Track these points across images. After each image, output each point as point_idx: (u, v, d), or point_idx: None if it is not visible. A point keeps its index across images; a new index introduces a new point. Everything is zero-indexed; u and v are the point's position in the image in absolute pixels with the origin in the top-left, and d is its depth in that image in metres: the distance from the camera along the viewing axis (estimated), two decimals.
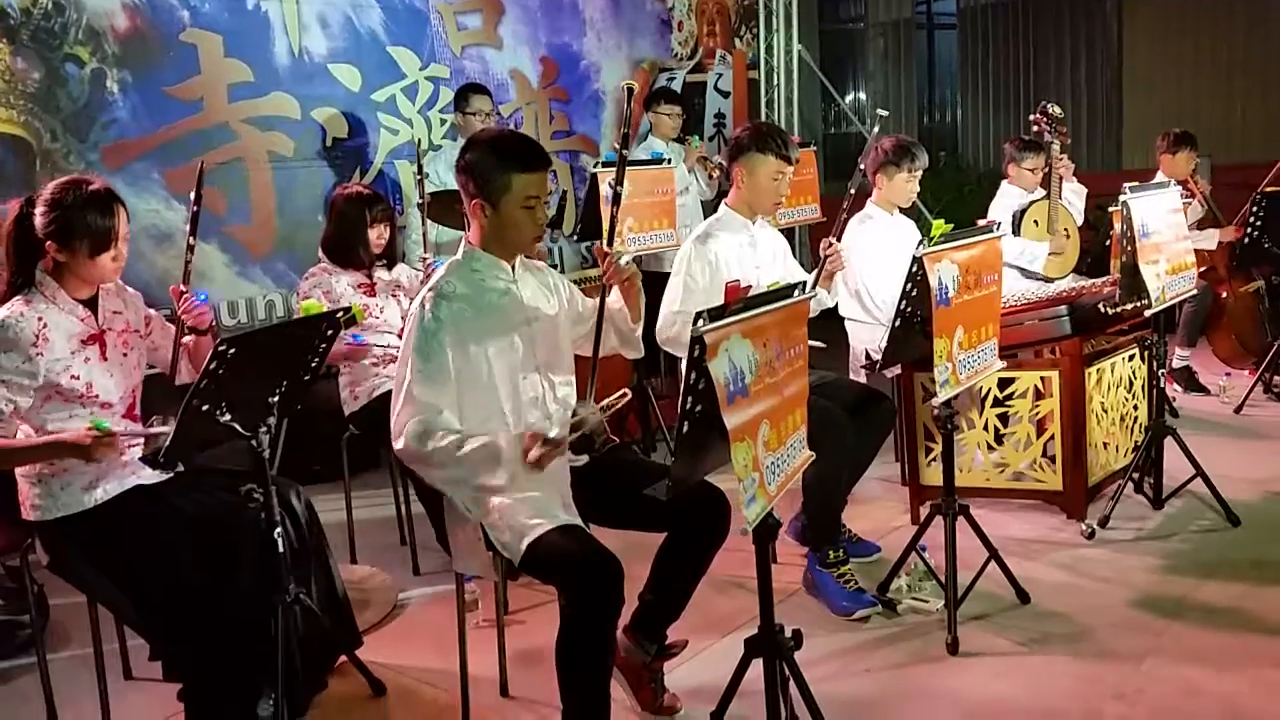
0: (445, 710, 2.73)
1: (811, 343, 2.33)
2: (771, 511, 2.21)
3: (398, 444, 2.29)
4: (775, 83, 7.48)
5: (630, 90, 2.72)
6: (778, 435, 2.04)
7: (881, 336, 3.23)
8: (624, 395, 2.42)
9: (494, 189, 2.36)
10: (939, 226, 2.76)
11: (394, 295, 3.80)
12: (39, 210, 2.48)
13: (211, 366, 2.15)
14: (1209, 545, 3.48)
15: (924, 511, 3.19)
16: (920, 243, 2.70)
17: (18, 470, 2.52)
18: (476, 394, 2.36)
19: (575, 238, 5.56)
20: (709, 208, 5.68)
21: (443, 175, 4.66)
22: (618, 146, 2.71)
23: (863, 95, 11.17)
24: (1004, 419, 3.78)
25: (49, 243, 2.47)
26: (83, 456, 2.33)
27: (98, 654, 2.73)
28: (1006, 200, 4.89)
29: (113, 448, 2.36)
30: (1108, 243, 3.83)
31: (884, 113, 3.60)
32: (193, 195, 2.72)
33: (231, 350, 2.16)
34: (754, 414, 1.94)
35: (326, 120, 5.09)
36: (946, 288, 2.71)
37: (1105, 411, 3.84)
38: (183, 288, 2.68)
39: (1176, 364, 5.40)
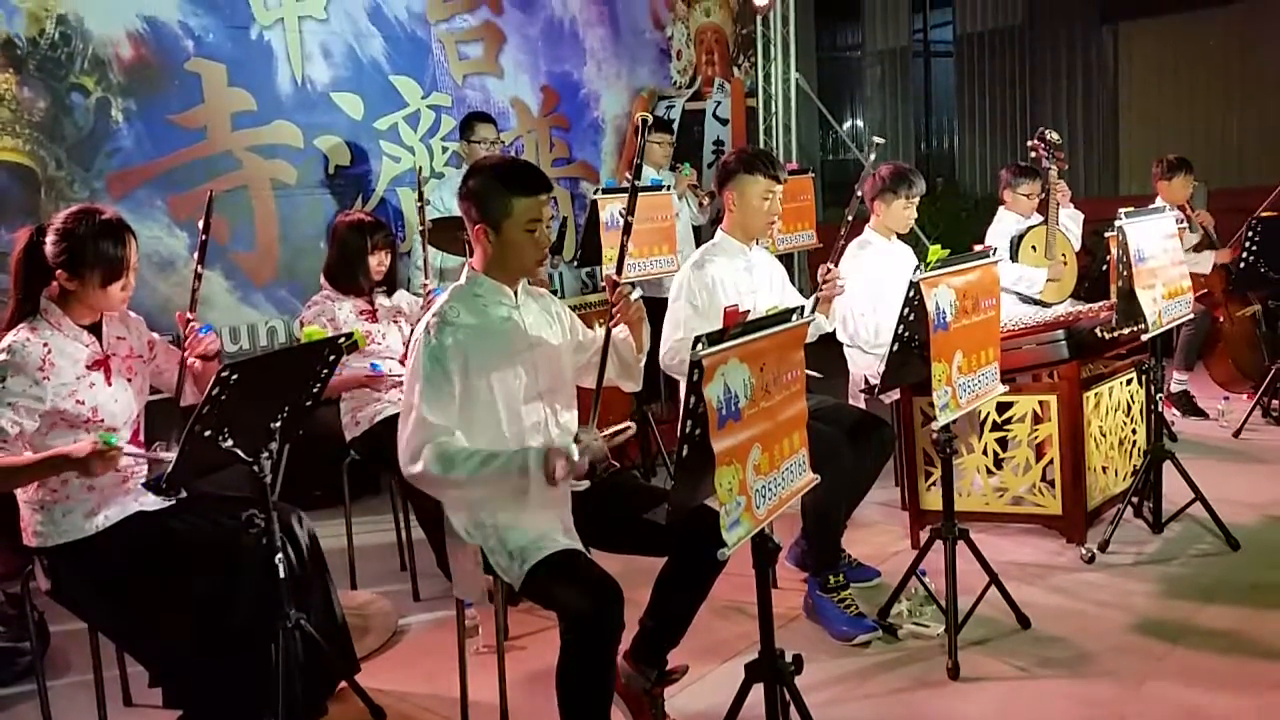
0: None
1: (808, 372, 2.34)
2: (771, 536, 2.22)
3: (414, 468, 2.29)
4: (773, 110, 7.55)
5: (645, 121, 2.76)
6: (770, 459, 2.05)
7: (879, 362, 3.25)
8: (628, 428, 2.44)
9: (496, 213, 2.39)
10: (935, 252, 2.78)
11: (395, 321, 3.82)
12: (50, 239, 2.50)
13: (214, 392, 2.16)
14: (1209, 569, 3.48)
15: (924, 536, 3.19)
16: (917, 268, 2.72)
17: (20, 496, 2.53)
18: (479, 419, 2.38)
19: (576, 264, 5.60)
20: (700, 233, 5.73)
21: (447, 202, 4.70)
22: (630, 177, 2.75)
23: (860, 122, 11.27)
24: (1003, 443, 3.79)
25: (59, 271, 2.49)
26: (83, 470, 2.32)
27: (98, 681, 2.73)
28: (1004, 226, 4.93)
29: (113, 462, 2.34)
30: (1105, 268, 3.85)
31: (880, 140, 3.64)
32: (201, 224, 2.75)
33: (234, 376, 2.17)
34: (745, 438, 1.96)
35: (329, 148, 5.13)
36: (944, 312, 2.73)
37: (1104, 436, 3.84)
38: (189, 315, 2.70)
39: (1174, 388, 5.41)
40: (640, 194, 4.64)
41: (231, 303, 4.82)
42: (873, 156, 3.50)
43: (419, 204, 3.97)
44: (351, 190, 5.24)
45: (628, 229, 2.69)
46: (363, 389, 3.64)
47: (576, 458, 2.23)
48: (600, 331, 2.61)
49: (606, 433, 2.37)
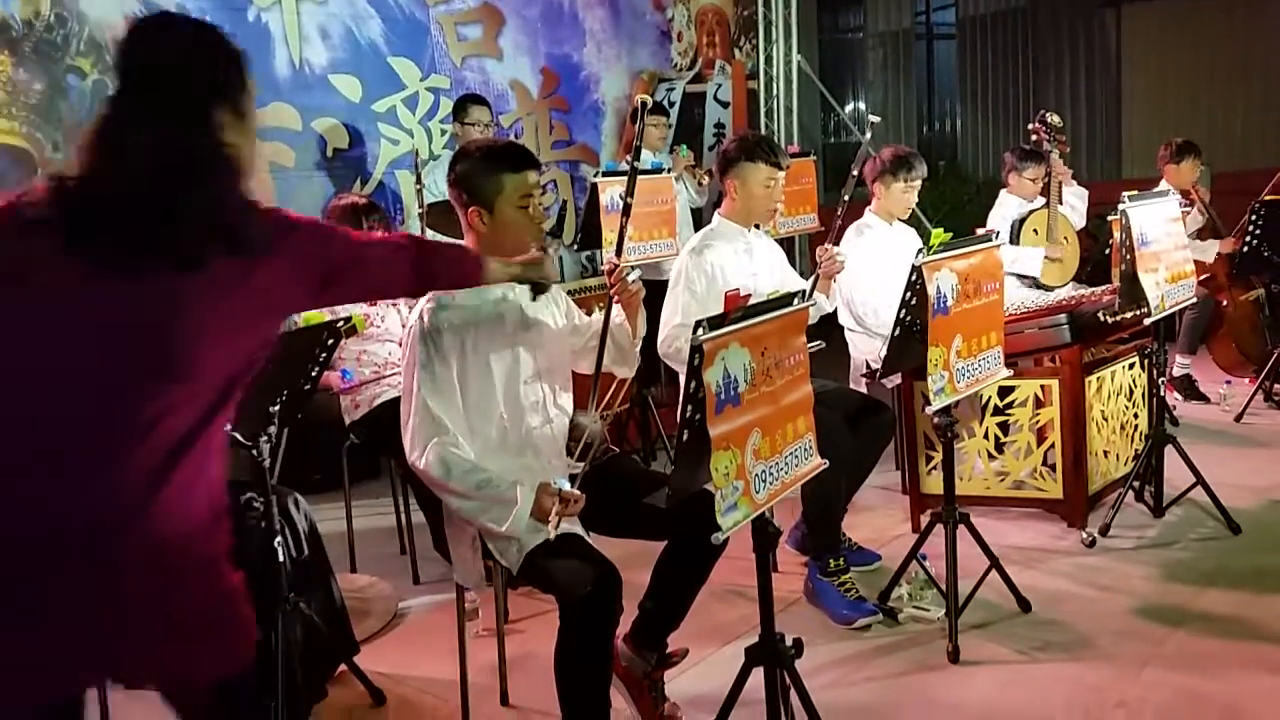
0: (445, 719, 2.73)
1: (811, 344, 2.32)
2: (772, 520, 2.21)
3: (419, 462, 2.31)
4: (774, 93, 7.50)
5: (644, 104, 2.74)
6: (771, 444, 2.04)
7: (880, 346, 3.24)
8: (623, 386, 2.44)
9: (487, 192, 2.37)
10: (938, 235, 2.77)
11: (394, 305, 3.81)
12: None
13: None
14: (1209, 553, 3.48)
15: (925, 520, 3.19)
16: (919, 251, 2.70)
17: None
18: (478, 397, 2.38)
19: (576, 247, 5.57)
20: (698, 215, 5.70)
21: (441, 185, 4.67)
22: (630, 159, 2.73)
23: (862, 105, 11.21)
24: (1004, 427, 3.78)
25: None
26: None
27: None
28: (1006, 209, 4.90)
29: None
30: (1107, 251, 3.84)
31: (875, 119, 3.61)
32: None
33: None
34: (744, 422, 1.94)
35: (327, 131, 5.10)
36: (945, 296, 2.71)
37: (1105, 420, 3.84)
38: None
39: (1177, 372, 5.40)
40: (640, 177, 4.64)
41: None
42: (869, 135, 3.49)
43: (417, 187, 3.95)
44: (349, 173, 5.22)
45: (627, 211, 2.68)
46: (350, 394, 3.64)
47: (567, 487, 2.24)
48: (598, 316, 2.60)
49: (604, 404, 2.38)
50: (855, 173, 3.51)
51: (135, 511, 1.42)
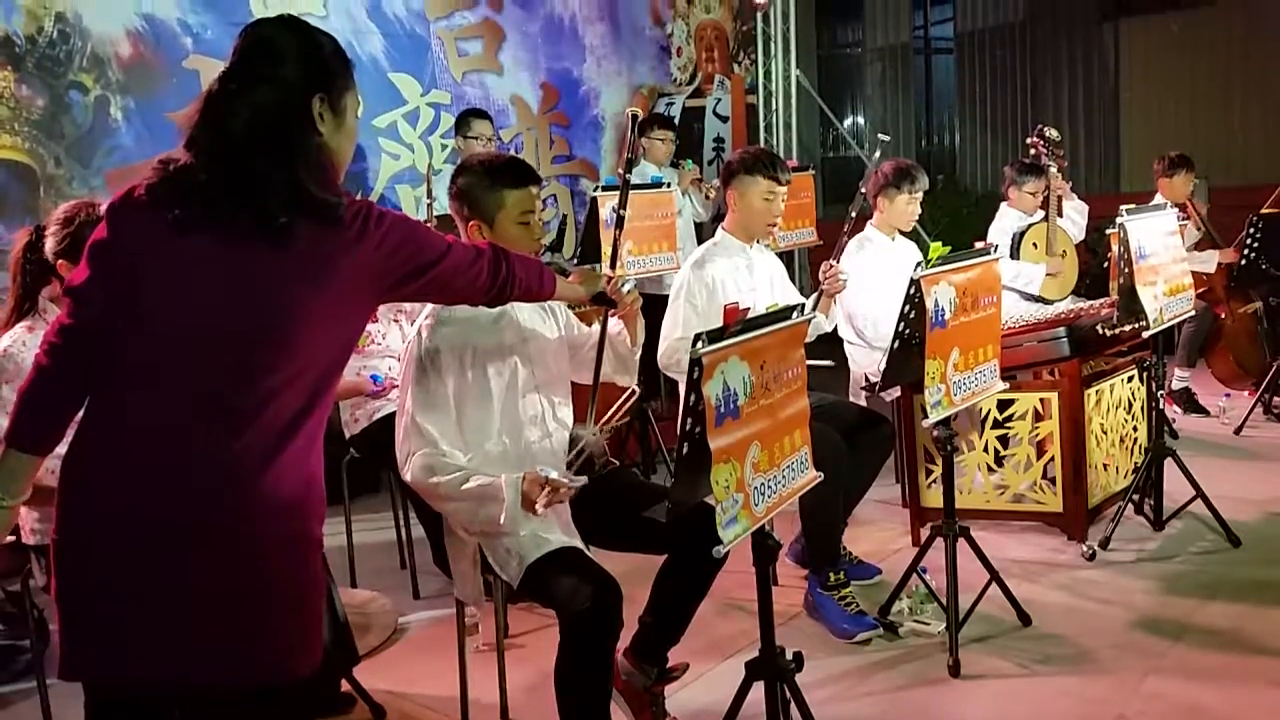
0: None
1: (823, 363, 2.33)
2: (771, 534, 2.22)
3: (405, 475, 2.32)
4: (774, 107, 7.54)
5: (635, 116, 2.76)
6: (769, 457, 2.05)
7: (880, 359, 3.25)
8: (631, 395, 2.43)
9: (489, 207, 2.39)
10: (936, 249, 2.78)
11: (396, 320, 3.81)
12: (50, 231, 2.51)
13: None
14: (1210, 566, 3.48)
15: (925, 533, 3.19)
16: (918, 265, 2.71)
17: None
18: (476, 412, 2.38)
19: (575, 261, 5.59)
20: (701, 230, 5.72)
21: (443, 200, 4.69)
22: (622, 172, 2.75)
23: (861, 120, 11.25)
24: (1004, 441, 3.78)
25: (60, 262, 2.49)
26: None
27: None
28: (1005, 223, 4.92)
29: None
30: (1106, 265, 3.85)
31: (885, 137, 3.63)
32: None
33: None
34: (743, 435, 1.95)
35: None
36: (942, 310, 2.72)
37: (1105, 433, 3.84)
38: None
39: (1176, 385, 5.40)
40: (641, 191, 4.65)
41: None
42: (877, 154, 3.50)
43: (428, 201, 3.95)
44: (351, 188, 5.12)
45: (620, 223, 2.69)
46: (379, 399, 3.64)
47: (553, 474, 2.21)
48: (596, 326, 2.60)
49: (607, 416, 2.37)
50: (863, 190, 3.52)
51: (246, 485, 1.50)
